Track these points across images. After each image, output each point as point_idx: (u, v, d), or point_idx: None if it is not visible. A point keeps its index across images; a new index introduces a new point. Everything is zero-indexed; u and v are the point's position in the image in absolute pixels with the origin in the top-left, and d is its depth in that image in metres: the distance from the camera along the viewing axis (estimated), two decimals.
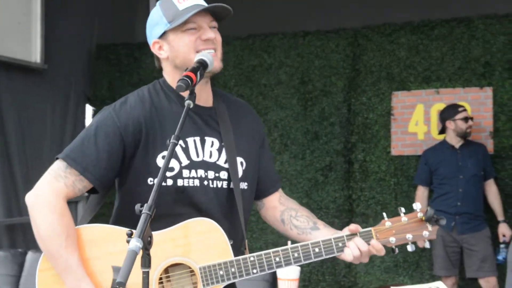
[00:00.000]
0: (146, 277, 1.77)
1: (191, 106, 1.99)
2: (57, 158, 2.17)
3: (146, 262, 1.78)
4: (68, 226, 2.10)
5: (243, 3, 7.61)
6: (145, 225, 1.74)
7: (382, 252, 2.20)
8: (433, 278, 5.62)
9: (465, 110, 5.82)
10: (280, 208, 2.47)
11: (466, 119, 5.77)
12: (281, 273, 2.87)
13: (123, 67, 7.59)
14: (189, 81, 1.98)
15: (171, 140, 1.89)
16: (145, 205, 1.77)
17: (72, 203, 6.03)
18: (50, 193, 2.10)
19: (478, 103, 6.30)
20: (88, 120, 7.71)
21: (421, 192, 5.93)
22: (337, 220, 6.38)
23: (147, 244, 1.76)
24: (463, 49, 6.40)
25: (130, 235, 1.84)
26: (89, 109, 7.73)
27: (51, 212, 2.09)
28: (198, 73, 2.03)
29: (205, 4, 2.18)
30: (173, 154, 2.10)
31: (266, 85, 7.05)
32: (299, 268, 2.74)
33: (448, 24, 6.48)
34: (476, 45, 6.35)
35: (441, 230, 5.59)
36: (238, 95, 6.93)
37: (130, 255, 1.65)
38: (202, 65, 2.07)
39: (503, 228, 5.73)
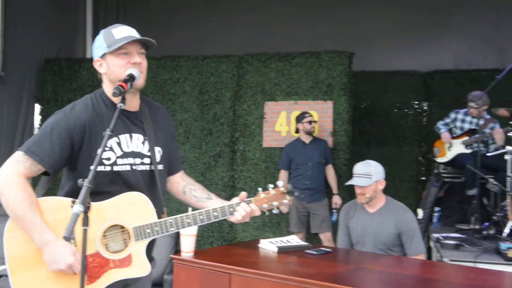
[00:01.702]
0: (85, 233, 1.87)
1: (122, 107, 2.05)
2: (19, 150, 2.14)
3: (86, 222, 1.87)
4: (30, 195, 2.08)
5: (159, 32, 7.72)
6: (85, 195, 1.81)
7: (258, 213, 2.32)
8: (289, 233, 5.69)
9: (310, 116, 5.96)
10: (182, 183, 2.52)
11: (310, 122, 5.93)
12: (183, 230, 2.84)
13: (65, 77, 7.39)
14: (121, 88, 2.04)
15: (105, 133, 1.95)
16: (85, 180, 1.84)
17: None
18: (13, 172, 2.08)
19: (323, 112, 6.47)
20: (37, 116, 7.51)
21: (283, 174, 6.01)
22: (223, 193, 6.42)
23: (86, 209, 1.83)
24: (313, 74, 6.58)
25: (73, 202, 1.92)
26: (37, 108, 7.50)
27: (15, 184, 2.06)
28: (129, 83, 2.09)
29: (138, 36, 2.20)
30: (110, 148, 2.19)
31: (174, 94, 7.06)
32: (196, 226, 2.69)
33: (304, 55, 6.66)
34: (322, 71, 6.55)
35: (295, 200, 5.72)
36: (155, 100, 6.95)
37: (74, 216, 1.74)
38: (131, 77, 2.11)
39: (336, 199, 5.88)
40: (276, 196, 2.34)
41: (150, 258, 2.27)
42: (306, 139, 6.01)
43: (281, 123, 6.66)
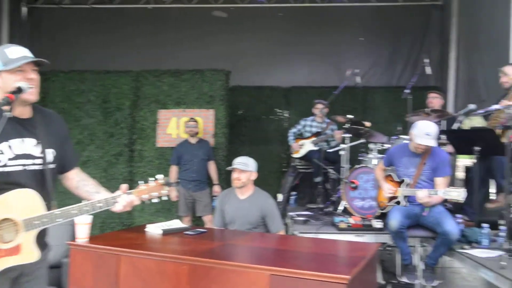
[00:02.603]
0: None
1: (9, 115, 1.91)
2: None
3: None
4: None
5: (69, 51, 7.28)
6: None
7: (137, 202, 2.20)
8: (178, 217, 5.57)
9: (193, 121, 5.90)
10: (76, 179, 2.34)
11: (190, 126, 5.90)
12: (78, 219, 2.78)
13: None
14: (8, 99, 1.91)
15: None
16: None
17: None
18: None
19: (206, 118, 6.47)
20: None
21: (174, 168, 5.87)
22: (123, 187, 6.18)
23: None
24: (198, 87, 6.58)
25: None
26: None
27: None
28: (16, 95, 1.95)
29: (32, 56, 2.06)
30: (1, 151, 2.02)
31: (80, 102, 6.71)
32: (91, 216, 2.61)
33: (191, 72, 6.64)
34: (205, 85, 6.58)
35: (183, 189, 5.71)
36: (62, 108, 6.58)
37: None
38: (19, 90, 1.97)
39: (216, 188, 5.79)
40: (155, 187, 2.26)
41: (44, 245, 2.12)
42: (192, 140, 5.95)
43: (172, 127, 6.57)
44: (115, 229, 6.20)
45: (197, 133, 5.98)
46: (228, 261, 2.37)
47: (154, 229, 3.14)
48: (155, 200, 2.28)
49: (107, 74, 6.80)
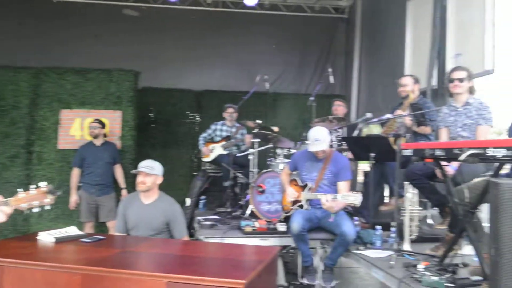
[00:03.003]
0: None
1: None
2: None
3: None
4: None
5: None
6: None
7: (10, 211, 2.09)
8: (80, 223, 5.42)
9: (98, 122, 5.67)
10: None
11: (93, 128, 5.66)
12: None
13: None
14: None
15: None
16: None
17: None
18: None
19: (113, 119, 6.21)
20: None
21: (76, 171, 5.56)
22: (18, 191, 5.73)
23: None
24: (105, 87, 6.28)
25: None
26: None
27: None
28: None
29: None
30: None
31: None
32: None
33: (96, 71, 6.33)
34: (113, 86, 6.29)
35: (85, 193, 5.47)
36: None
37: None
38: None
39: (123, 192, 5.55)
40: (36, 195, 2.15)
41: None
42: (97, 142, 5.70)
43: (75, 128, 6.21)
44: (8, 237, 5.72)
45: (102, 135, 5.73)
46: (123, 270, 2.28)
47: (47, 237, 2.95)
48: (35, 210, 2.19)
49: (2, 69, 6.26)
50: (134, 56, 7.45)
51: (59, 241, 2.91)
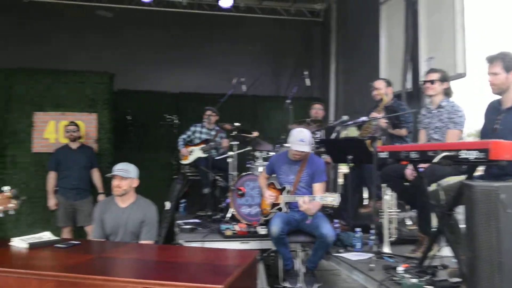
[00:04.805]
0: None
1: None
2: None
3: None
4: None
5: None
6: None
7: None
8: (58, 228, 5.32)
9: (74, 125, 5.61)
10: None
11: (70, 131, 5.60)
12: None
13: None
14: None
15: None
16: None
17: None
18: None
19: (89, 122, 6.16)
20: None
21: (52, 175, 5.47)
22: None
23: None
24: (79, 89, 6.19)
25: None
26: None
27: None
28: None
29: None
30: None
31: None
32: None
33: (70, 73, 6.24)
34: (87, 88, 6.23)
35: (62, 198, 5.40)
36: None
37: None
38: None
39: (101, 197, 5.43)
40: (0, 200, 2.06)
41: None
42: (73, 145, 5.62)
43: (49, 131, 6.09)
44: None
45: (78, 138, 5.66)
46: (98, 276, 2.24)
47: (20, 243, 2.86)
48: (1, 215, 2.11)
49: None
50: (109, 58, 7.38)
51: (33, 247, 2.83)
